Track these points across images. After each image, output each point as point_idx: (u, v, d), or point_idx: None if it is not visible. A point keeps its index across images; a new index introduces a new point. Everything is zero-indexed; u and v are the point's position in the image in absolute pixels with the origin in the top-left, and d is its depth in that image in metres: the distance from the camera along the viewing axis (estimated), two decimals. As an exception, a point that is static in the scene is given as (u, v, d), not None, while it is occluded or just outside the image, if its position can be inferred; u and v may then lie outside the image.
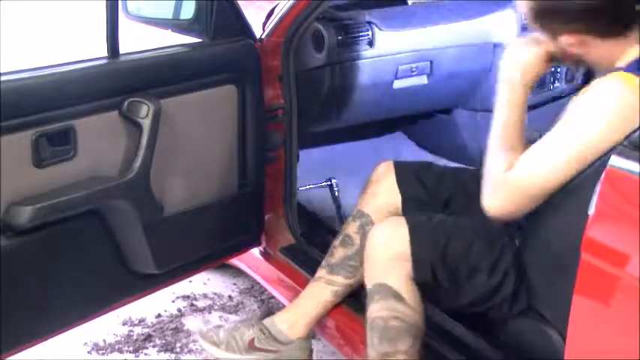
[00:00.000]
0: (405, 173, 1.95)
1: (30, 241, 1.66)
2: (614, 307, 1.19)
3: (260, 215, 2.21)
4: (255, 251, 2.33)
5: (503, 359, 1.73)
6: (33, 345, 1.78)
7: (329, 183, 2.63)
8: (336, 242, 1.98)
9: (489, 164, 1.58)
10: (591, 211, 1.19)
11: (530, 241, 1.61)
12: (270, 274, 2.33)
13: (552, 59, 1.63)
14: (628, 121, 1.40)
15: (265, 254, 2.32)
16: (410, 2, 2.77)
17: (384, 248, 1.70)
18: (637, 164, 1.16)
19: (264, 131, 2.13)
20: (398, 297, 1.67)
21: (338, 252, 1.97)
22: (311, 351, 2.03)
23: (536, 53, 1.61)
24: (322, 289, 1.97)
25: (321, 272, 1.99)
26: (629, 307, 1.14)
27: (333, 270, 1.96)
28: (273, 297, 2.49)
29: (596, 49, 1.54)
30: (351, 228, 1.96)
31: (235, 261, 2.43)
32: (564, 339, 1.31)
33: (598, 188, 1.19)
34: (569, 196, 1.44)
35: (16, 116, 1.59)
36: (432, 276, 1.67)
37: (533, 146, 1.52)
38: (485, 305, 1.68)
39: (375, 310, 1.70)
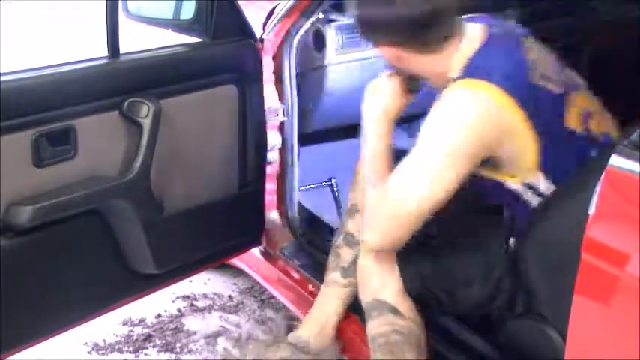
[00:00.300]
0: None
1: (30, 241, 1.66)
2: (614, 307, 1.19)
3: (260, 215, 2.21)
4: (255, 251, 2.33)
5: (503, 359, 1.73)
6: (33, 345, 1.78)
7: (329, 183, 2.63)
8: (339, 241, 1.95)
9: (366, 198, 1.61)
10: (591, 210, 1.19)
11: (529, 242, 1.61)
12: (270, 274, 2.33)
13: (412, 90, 1.68)
14: (483, 119, 1.47)
15: (265, 254, 2.32)
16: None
17: (369, 268, 1.71)
18: (637, 164, 1.16)
19: (264, 131, 2.13)
20: (395, 311, 1.67)
21: (345, 252, 1.93)
22: (339, 351, 1.98)
23: (394, 87, 1.66)
24: (340, 292, 1.94)
25: (333, 275, 1.95)
26: (630, 306, 1.14)
27: (346, 272, 1.92)
28: (273, 297, 2.49)
29: (416, 63, 1.59)
30: (351, 225, 1.93)
31: (235, 261, 2.43)
32: (564, 339, 1.31)
33: (598, 188, 1.19)
34: (568, 196, 1.44)
35: (16, 116, 1.59)
36: (424, 288, 1.68)
37: (396, 170, 1.54)
38: (484, 310, 1.68)
39: (375, 326, 1.70)
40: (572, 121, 1.58)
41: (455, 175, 1.48)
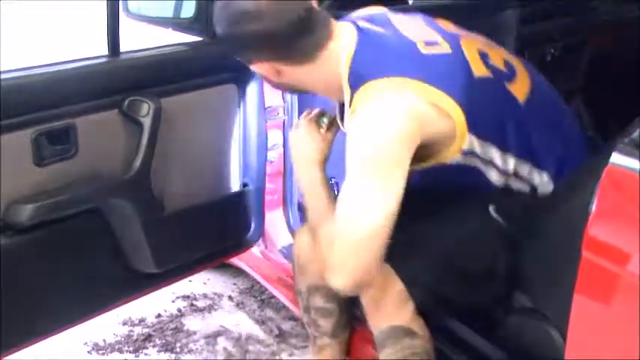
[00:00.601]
0: None
1: (30, 240, 1.66)
2: (615, 306, 1.19)
3: (260, 215, 2.21)
4: (255, 251, 2.32)
5: (504, 359, 1.73)
6: (33, 344, 1.78)
7: (330, 182, 2.62)
8: (312, 316, 1.87)
9: (320, 243, 1.54)
10: (592, 208, 1.19)
11: (529, 241, 1.61)
12: (270, 273, 2.32)
13: (330, 126, 1.66)
14: (400, 118, 1.43)
15: (265, 254, 2.32)
16: (410, 2, 2.77)
17: (380, 295, 1.63)
18: (637, 162, 1.16)
19: (264, 130, 2.13)
20: (410, 333, 1.62)
21: (323, 322, 1.86)
22: None
23: (310, 133, 1.63)
24: (338, 347, 1.89)
25: (322, 341, 1.88)
26: (630, 305, 1.14)
27: (333, 335, 1.87)
28: (273, 297, 2.49)
29: (295, 75, 1.55)
30: (318, 301, 1.84)
31: (235, 261, 2.43)
32: (565, 338, 1.31)
33: (598, 186, 1.19)
34: (569, 194, 1.44)
35: (16, 115, 1.59)
36: (432, 302, 1.66)
37: (339, 201, 1.47)
38: (484, 308, 1.68)
39: (390, 353, 1.63)
40: (478, 68, 1.57)
41: (397, 181, 1.43)
